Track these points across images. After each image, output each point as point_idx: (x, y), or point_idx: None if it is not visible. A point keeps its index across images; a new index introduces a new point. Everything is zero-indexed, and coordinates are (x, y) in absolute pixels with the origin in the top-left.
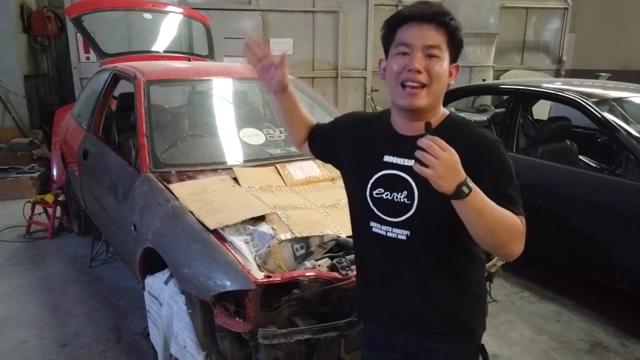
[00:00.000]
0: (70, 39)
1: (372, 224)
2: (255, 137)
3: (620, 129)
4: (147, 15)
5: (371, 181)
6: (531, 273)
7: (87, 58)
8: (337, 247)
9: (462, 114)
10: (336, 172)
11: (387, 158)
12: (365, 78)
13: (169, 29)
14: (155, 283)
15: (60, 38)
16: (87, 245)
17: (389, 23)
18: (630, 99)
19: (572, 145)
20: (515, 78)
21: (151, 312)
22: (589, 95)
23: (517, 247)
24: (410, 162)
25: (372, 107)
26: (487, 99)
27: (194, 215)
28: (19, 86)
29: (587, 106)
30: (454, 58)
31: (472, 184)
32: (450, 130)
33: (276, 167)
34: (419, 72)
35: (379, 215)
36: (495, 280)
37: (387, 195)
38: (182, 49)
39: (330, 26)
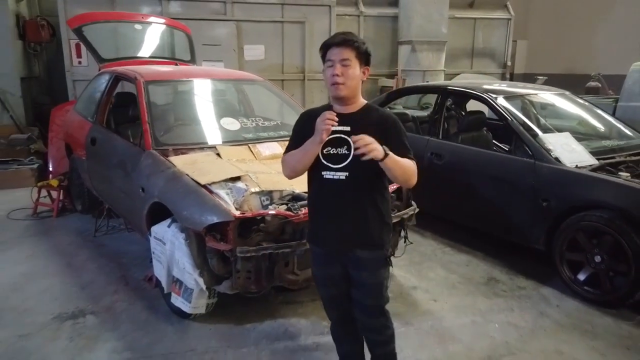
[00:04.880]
0: (64, 46)
1: (323, 172)
2: (232, 124)
3: (511, 118)
4: (138, 27)
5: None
6: (454, 235)
7: (79, 62)
8: (292, 199)
9: (408, 111)
10: None
11: (333, 128)
12: None
13: (154, 37)
14: (160, 228)
15: (51, 44)
16: (89, 222)
17: (323, 48)
18: (528, 96)
19: (487, 133)
20: (463, 80)
21: (156, 252)
22: (494, 93)
23: (415, 179)
24: (346, 128)
25: None
26: (431, 98)
27: (189, 177)
28: (16, 87)
29: (490, 101)
30: (364, 64)
31: (387, 150)
32: (366, 112)
33: (249, 147)
34: (338, 75)
35: (328, 165)
36: (419, 234)
37: (333, 150)
38: (164, 55)
39: (298, 34)
